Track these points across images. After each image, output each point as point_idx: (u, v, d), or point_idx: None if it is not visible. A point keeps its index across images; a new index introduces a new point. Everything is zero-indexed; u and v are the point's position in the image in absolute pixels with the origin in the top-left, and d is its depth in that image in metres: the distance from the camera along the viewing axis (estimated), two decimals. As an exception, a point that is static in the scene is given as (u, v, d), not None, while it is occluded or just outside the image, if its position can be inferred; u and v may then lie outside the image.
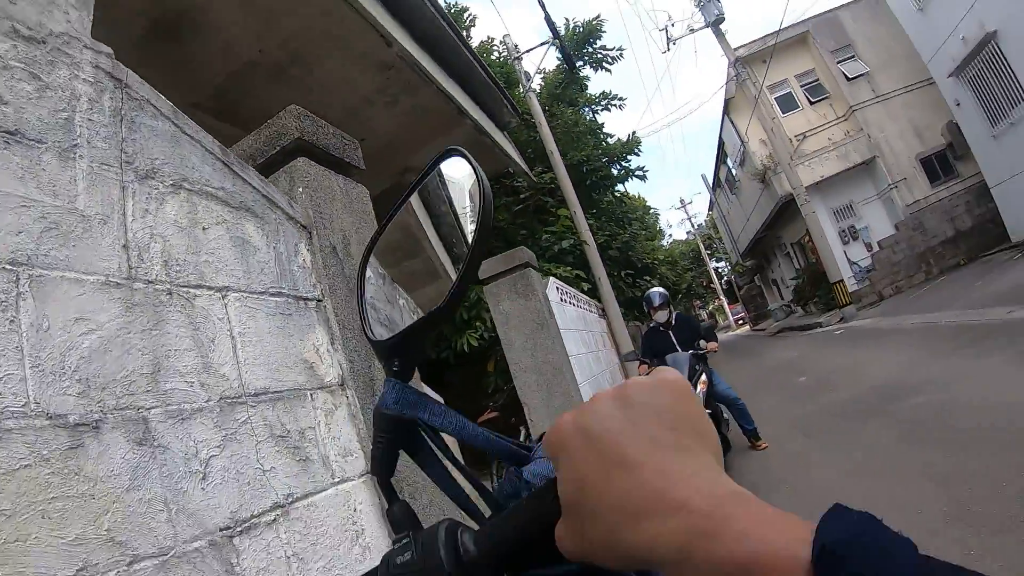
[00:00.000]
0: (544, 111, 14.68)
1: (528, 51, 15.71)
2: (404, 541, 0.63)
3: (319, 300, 2.40)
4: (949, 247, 21.19)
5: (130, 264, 1.65)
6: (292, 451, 1.96)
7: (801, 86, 25.03)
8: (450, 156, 0.78)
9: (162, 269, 1.74)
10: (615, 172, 18.49)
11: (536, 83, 16.28)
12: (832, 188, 23.34)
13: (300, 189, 2.51)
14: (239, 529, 1.66)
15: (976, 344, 8.25)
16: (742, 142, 27.69)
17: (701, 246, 60.01)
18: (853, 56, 23.69)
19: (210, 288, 1.90)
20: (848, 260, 23.09)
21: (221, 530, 1.61)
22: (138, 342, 1.59)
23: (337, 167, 2.84)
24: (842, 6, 24.54)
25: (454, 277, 0.68)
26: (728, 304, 63.26)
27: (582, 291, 11.13)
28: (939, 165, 22.51)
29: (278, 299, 2.18)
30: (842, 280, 20.39)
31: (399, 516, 0.70)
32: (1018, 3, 14.47)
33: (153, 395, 1.57)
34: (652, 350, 7.82)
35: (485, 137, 7.96)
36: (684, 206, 62.64)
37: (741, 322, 56.55)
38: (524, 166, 10.76)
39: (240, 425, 1.80)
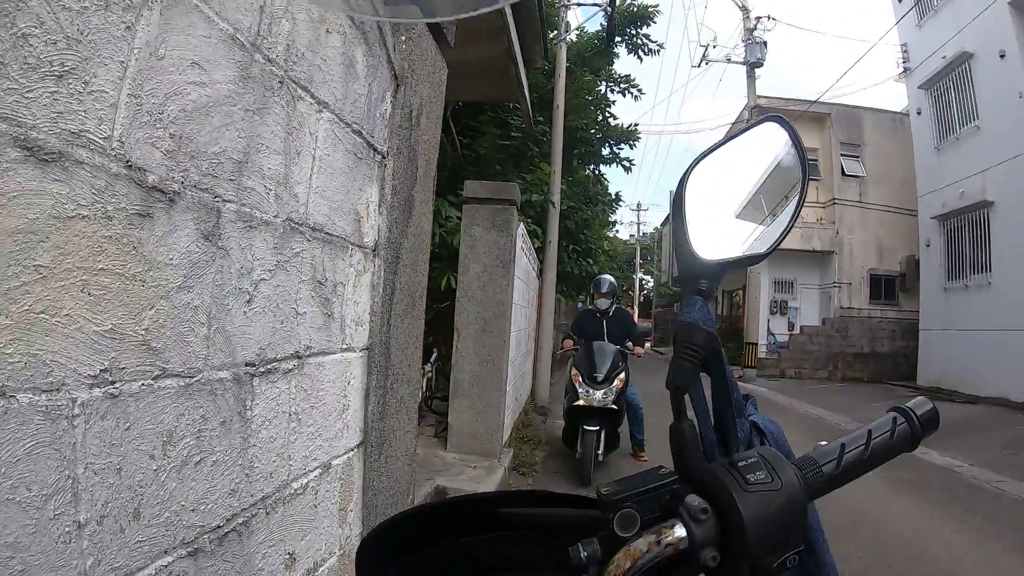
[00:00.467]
0: (567, 66, 14.33)
1: (579, 4, 15.23)
2: (752, 460, 0.64)
3: (384, 157, 2.17)
4: (860, 361, 21.96)
5: (259, 30, 1.38)
6: (323, 302, 1.75)
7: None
8: (767, 122, 0.80)
9: (283, 52, 1.48)
10: (604, 152, 18.30)
11: (571, 37, 15.85)
12: (784, 261, 23.70)
13: (403, 38, 2.26)
14: (262, 370, 1.45)
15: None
16: (670, 218, 27.90)
17: (638, 253, 60.64)
18: (858, 157, 23.97)
19: (314, 97, 1.65)
20: (768, 330, 23.64)
21: (247, 365, 1.39)
22: (239, 120, 1.33)
23: (436, 33, 2.60)
24: (869, 108, 24.77)
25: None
26: (638, 317, 64.42)
27: (534, 247, 11.04)
28: (885, 287, 23.20)
29: (357, 139, 1.94)
30: (756, 344, 20.92)
31: (689, 436, 0.68)
32: (1014, 184, 14.96)
33: (235, 187, 1.33)
34: (582, 331, 7.76)
35: (512, 63, 7.66)
36: (639, 210, 63.01)
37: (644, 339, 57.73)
38: (529, 108, 10.49)
39: (294, 256, 1.57)
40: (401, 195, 2.27)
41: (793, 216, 0.77)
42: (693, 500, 0.60)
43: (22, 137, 0.85)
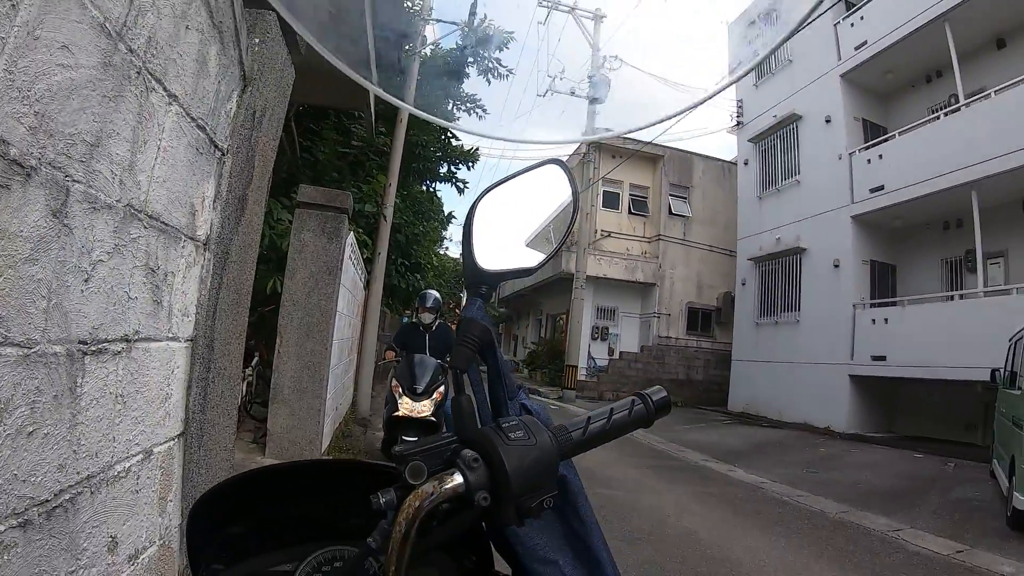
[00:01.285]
0: (416, 79, 14.39)
1: (438, 21, 15.40)
2: (514, 423, 0.80)
3: (224, 154, 2.22)
4: (676, 387, 23.06)
5: (127, 21, 1.44)
6: (154, 289, 1.79)
7: (630, 194, 26.54)
8: (549, 164, 1.02)
9: (144, 44, 1.54)
10: (442, 171, 18.46)
11: (427, 50, 15.96)
12: (607, 289, 24.88)
13: (256, 41, 2.33)
14: (93, 348, 1.48)
15: (668, 472, 9.29)
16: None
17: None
18: (685, 198, 25.76)
19: (166, 90, 1.70)
20: (589, 353, 24.63)
21: (80, 342, 1.42)
22: (96, 105, 1.38)
23: (288, 39, 2.67)
24: (700, 154, 26.71)
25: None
26: (462, 333, 64.58)
27: (362, 257, 11.00)
28: (702, 320, 25.10)
29: (200, 134, 1.99)
30: (576, 366, 21.75)
31: (466, 407, 0.85)
32: (833, 240, 16.78)
33: (85, 169, 1.37)
34: (404, 344, 7.82)
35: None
36: (470, 230, 63.58)
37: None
38: (373, 119, 10.51)
39: (131, 241, 1.61)
40: (236, 193, 2.32)
41: (561, 240, 1.01)
42: (467, 453, 0.76)
43: None
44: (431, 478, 0.74)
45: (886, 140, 15.76)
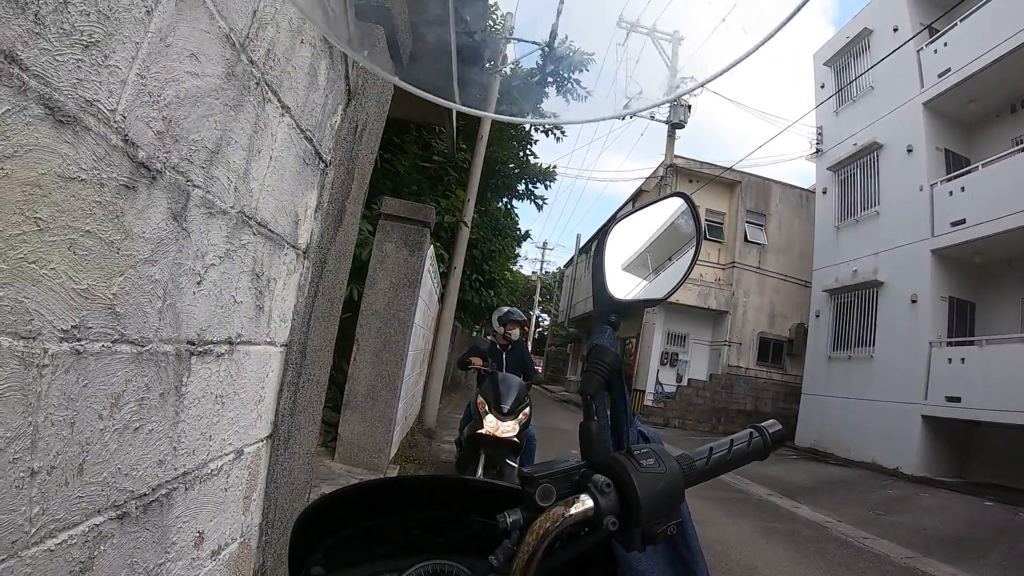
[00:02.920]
0: (497, 97, 14.54)
1: (519, 40, 15.58)
2: (645, 450, 0.82)
3: (327, 165, 2.27)
4: (743, 417, 22.63)
5: (249, 33, 1.49)
6: (256, 294, 1.83)
7: (706, 219, 26.18)
8: (675, 197, 1.05)
9: (264, 56, 1.59)
10: (520, 188, 18.58)
11: (505, 70, 16.13)
12: (678, 315, 24.51)
13: (366, 53, 2.37)
14: (200, 349, 1.52)
15: (733, 505, 9.05)
16: (591, 264, 28.39)
17: (538, 291, 61.36)
18: (762, 225, 25.20)
19: (280, 101, 1.75)
20: (657, 379, 24.30)
21: (188, 343, 1.46)
22: (218, 113, 1.43)
23: (392, 54, 2.72)
24: (779, 182, 26.14)
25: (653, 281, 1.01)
26: (531, 353, 64.64)
27: (438, 270, 11.10)
28: (773, 351, 24.37)
29: (307, 145, 2.04)
30: (644, 391, 21.46)
31: (596, 432, 0.88)
32: (912, 275, 16.10)
33: (204, 174, 1.41)
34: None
35: (444, 87, 7.81)
36: (544, 248, 63.92)
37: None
38: (454, 134, 10.63)
39: (240, 247, 1.66)
40: (336, 204, 2.37)
41: (686, 272, 1.00)
42: (599, 478, 0.76)
43: (47, 96, 0.93)
44: (560, 501, 0.75)
45: (969, 172, 15.05)
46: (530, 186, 18.70)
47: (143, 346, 1.28)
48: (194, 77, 1.30)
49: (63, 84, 0.96)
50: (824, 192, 21.01)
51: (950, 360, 14.60)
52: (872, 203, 18.33)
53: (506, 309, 7.93)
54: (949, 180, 15.53)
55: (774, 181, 26.18)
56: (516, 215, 20.94)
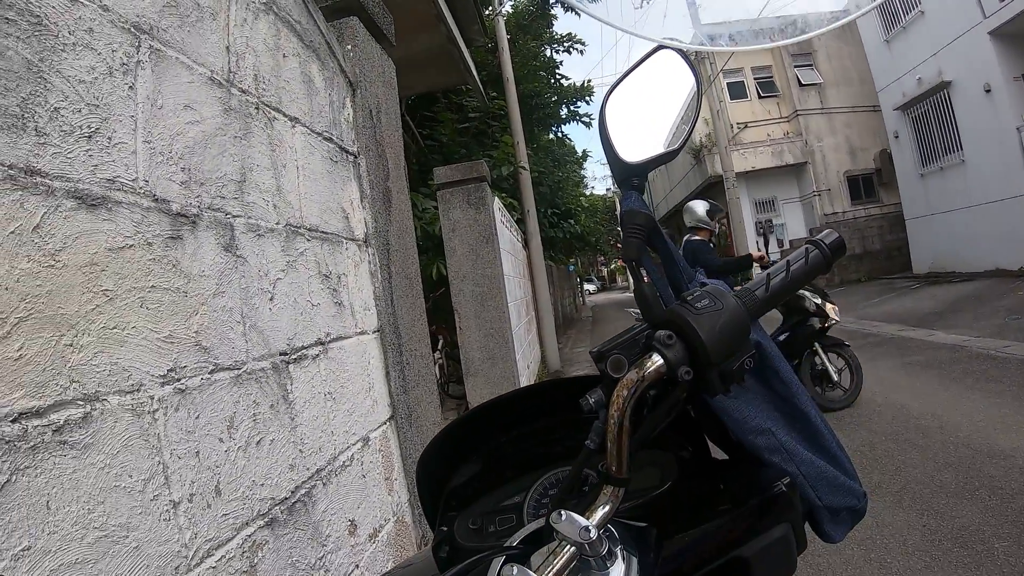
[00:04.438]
0: (508, 38, 14.33)
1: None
2: (698, 293, 0.80)
3: (356, 156, 2.36)
4: (854, 262, 22.03)
5: (230, 68, 1.57)
6: (331, 292, 1.95)
7: (755, 79, 25.17)
8: (660, 51, 1.02)
9: (253, 82, 1.67)
10: (562, 113, 18.36)
11: (507, 8, 15.84)
12: (759, 180, 23.86)
13: (349, 47, 2.44)
14: (293, 357, 1.65)
15: (866, 350, 8.81)
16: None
17: (618, 204, 60.48)
18: (811, 65, 23.99)
19: (285, 115, 1.84)
20: (759, 249, 23.67)
21: (281, 354, 1.59)
22: (231, 147, 1.52)
23: (377, 36, 2.77)
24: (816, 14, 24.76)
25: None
26: (630, 266, 63.90)
27: (512, 219, 11.13)
28: (863, 186, 23.31)
29: (329, 145, 2.13)
30: (751, 267, 21.02)
31: (649, 293, 0.85)
32: (976, 63, 15.00)
33: (239, 204, 1.52)
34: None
35: (454, 47, 7.73)
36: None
37: (639, 285, 57.35)
38: (480, 86, 10.53)
39: (299, 255, 1.77)
40: (378, 188, 2.46)
41: (694, 118, 0.99)
42: (661, 333, 0.76)
43: (73, 190, 1.04)
44: (632, 367, 0.75)
45: None
46: (572, 108, 18.46)
47: (239, 369, 1.41)
48: (196, 124, 1.40)
49: (82, 175, 1.07)
50: (859, 7, 19.79)
51: (1042, 140, 13.62)
52: (913, 4, 17.07)
53: (702, 201, 6.96)
54: (989, -47, 14.28)
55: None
56: (570, 140, 20.79)
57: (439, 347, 7.71)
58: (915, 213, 18.77)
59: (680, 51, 1.02)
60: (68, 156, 1.05)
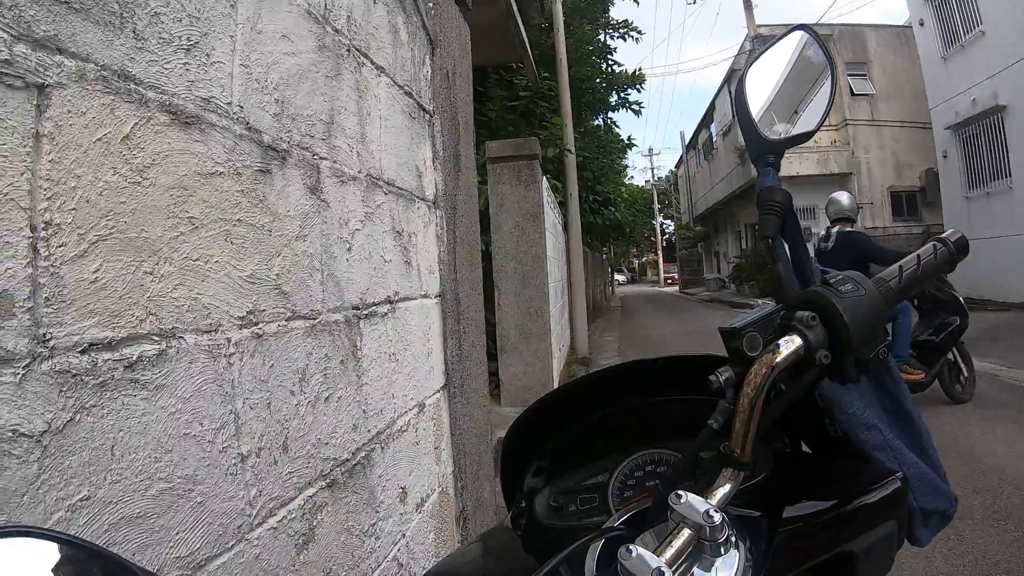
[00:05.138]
0: (563, 19, 14.19)
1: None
2: (840, 277, 0.77)
3: (431, 115, 2.28)
4: (890, 278, 21.60)
5: (327, 4, 1.50)
6: (403, 250, 1.88)
7: (805, 83, 24.88)
8: (795, 30, 1.00)
9: (346, 23, 1.60)
10: (612, 100, 18.17)
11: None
12: (803, 187, 23.40)
13: (431, 4, 2.36)
14: (365, 312, 1.58)
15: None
16: (734, 115, 27.34)
17: (655, 197, 60.26)
18: (865, 75, 23.57)
19: (373, 63, 1.76)
20: (796, 259, 23.51)
21: (353, 308, 1.52)
22: (322, 85, 1.45)
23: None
24: (871, 25, 24.35)
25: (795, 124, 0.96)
26: (663, 261, 63.99)
27: (555, 201, 11.06)
28: (907, 203, 22.91)
29: (409, 100, 2.05)
30: (783, 272, 20.83)
31: (784, 273, 0.86)
32: None
33: (326, 145, 1.45)
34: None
35: (512, 22, 7.64)
36: (651, 155, 62.59)
37: (670, 282, 57.32)
38: (533, 65, 10.43)
39: (376, 208, 1.70)
40: (449, 151, 2.38)
41: (830, 99, 0.96)
42: (803, 314, 0.73)
43: (167, 103, 0.97)
44: (769, 348, 0.71)
45: None
46: (622, 95, 18.27)
47: (314, 319, 1.34)
48: (292, 56, 1.33)
49: (178, 89, 0.99)
50: (921, 24, 19.09)
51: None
52: (974, 22, 16.45)
53: (846, 193, 7.12)
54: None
55: (867, 25, 24.40)
56: (617, 127, 20.58)
57: (474, 322, 7.64)
58: (956, 237, 18.23)
59: (814, 32, 1.00)
60: (165, 67, 0.97)
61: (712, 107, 33.28)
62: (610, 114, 19.43)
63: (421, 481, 1.96)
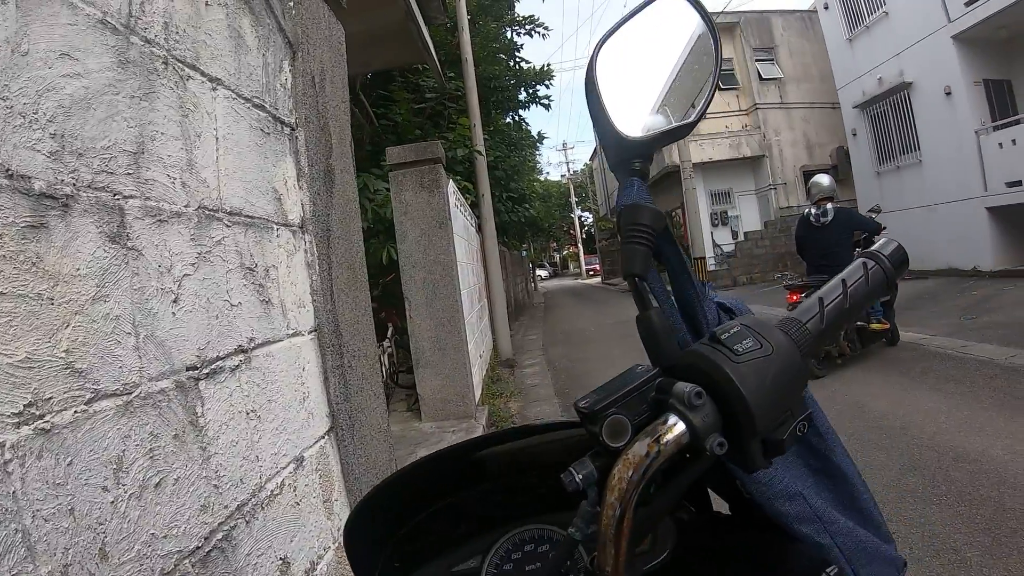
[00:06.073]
0: (468, 18, 14.09)
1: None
2: (736, 329, 0.59)
3: (293, 128, 2.05)
4: (809, 255, 22.24)
5: (131, 11, 1.25)
6: (257, 289, 1.65)
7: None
8: None
9: (162, 31, 1.35)
10: (521, 97, 18.19)
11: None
12: (716, 172, 24.04)
13: (291, 4, 2.14)
14: (205, 371, 1.35)
15: (822, 346, 8.72)
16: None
17: (572, 191, 60.69)
18: (772, 60, 24.40)
19: (204, 75, 1.52)
20: (714, 242, 23.95)
21: (188, 369, 1.29)
22: (126, 109, 1.21)
23: (326, -1, 2.47)
24: (777, 11, 25.22)
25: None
26: (584, 253, 64.52)
27: (467, 203, 10.93)
28: (819, 182, 23.59)
29: (260, 113, 1.82)
30: (704, 258, 21.19)
31: (659, 324, 0.65)
32: (938, 66, 15.19)
33: (134, 181, 1.21)
34: (806, 250, 7.97)
35: (412, 24, 7.43)
36: (565, 149, 62.91)
37: (592, 273, 57.87)
38: (438, 67, 10.27)
39: (215, 245, 1.46)
40: (319, 166, 2.16)
41: (713, 83, 0.75)
42: (683, 387, 0.56)
43: None
44: (639, 435, 0.55)
45: None
46: (531, 91, 18.27)
47: (129, 394, 1.11)
48: (77, 79, 1.08)
49: None
50: (826, 7, 19.91)
51: (1000, 145, 13.87)
52: (878, 5, 17.31)
53: (826, 174, 8.39)
54: (950, -46, 14.50)
55: (772, 11, 25.31)
56: (526, 124, 20.56)
57: (389, 335, 7.43)
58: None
59: None
60: None
61: (622, 98, 33.74)
62: (520, 111, 19.44)
63: (308, 544, 1.74)
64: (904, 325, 8.98)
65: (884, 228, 7.65)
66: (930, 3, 15.06)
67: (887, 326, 7.73)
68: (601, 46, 0.75)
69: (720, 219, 24.95)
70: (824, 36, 20.61)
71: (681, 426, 0.54)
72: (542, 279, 63.45)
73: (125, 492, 1.06)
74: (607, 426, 0.56)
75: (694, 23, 0.77)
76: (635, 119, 0.72)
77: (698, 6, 0.77)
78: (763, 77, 24.17)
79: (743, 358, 0.57)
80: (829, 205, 7.65)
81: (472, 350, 7.19)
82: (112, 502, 1.04)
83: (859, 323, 7.52)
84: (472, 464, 0.83)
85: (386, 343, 7.26)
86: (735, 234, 24.28)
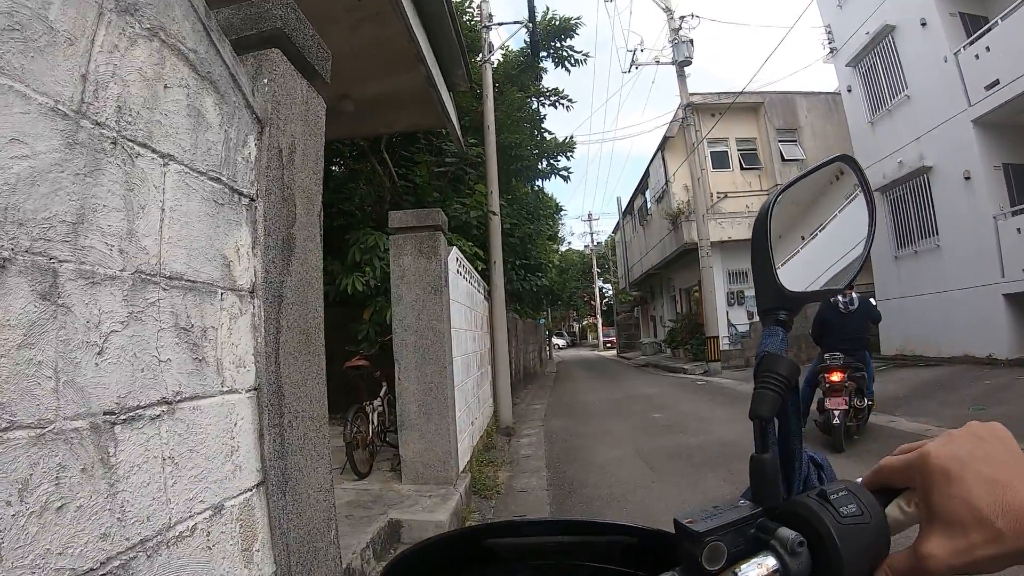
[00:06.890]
0: (494, 86, 14.41)
1: (500, 24, 15.46)
2: (843, 493, 0.65)
3: (252, 199, 2.25)
4: (823, 340, 22.09)
5: (84, 98, 1.47)
6: (191, 348, 1.82)
7: (738, 149, 25.77)
8: (838, 160, 0.86)
9: (114, 114, 1.56)
10: (541, 167, 18.51)
11: (496, 57, 16.02)
12: (735, 251, 24.09)
13: (265, 80, 2.35)
14: (123, 417, 1.51)
15: (818, 436, 8.67)
16: (667, 181, 27.92)
17: (594, 262, 61.05)
18: (795, 141, 24.72)
19: (155, 152, 1.72)
20: (728, 321, 23.93)
21: (105, 414, 1.46)
22: (69, 185, 1.41)
23: (305, 71, 2.68)
24: (802, 92, 25.59)
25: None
26: (602, 325, 64.50)
27: (477, 269, 11.06)
28: (837, 264, 23.63)
29: (215, 185, 2.02)
30: (717, 337, 21.13)
31: (771, 469, 0.70)
32: (958, 150, 15.37)
33: (70, 247, 1.40)
34: (819, 335, 8.43)
35: (432, 90, 7.70)
36: (590, 220, 63.57)
37: (608, 345, 57.73)
38: (459, 132, 10.56)
39: (148, 306, 1.64)
40: (277, 236, 2.34)
41: (866, 248, 0.82)
42: (787, 533, 0.62)
43: None
44: (737, 564, 0.62)
45: (989, 30, 14.22)
46: (551, 162, 18.63)
47: (43, 428, 1.28)
48: (23, 159, 1.29)
49: None
50: (849, 90, 20.32)
51: (1019, 230, 13.88)
52: (899, 88, 17.66)
53: None
54: (971, 43, 14.77)
55: (797, 93, 25.65)
56: (548, 195, 20.90)
57: (382, 394, 7.55)
58: (887, 295, 18.89)
59: (857, 164, 0.86)
60: None
61: (647, 174, 34.13)
62: (542, 181, 19.78)
63: (222, 586, 1.88)
64: (912, 415, 8.93)
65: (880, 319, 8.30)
66: (951, 87, 15.28)
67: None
68: (777, 198, 0.81)
69: (736, 298, 24.95)
70: (847, 119, 20.90)
71: (776, 565, 0.60)
72: (558, 348, 63.26)
73: (27, 509, 1.22)
74: (708, 550, 0.61)
75: (852, 187, 0.85)
76: (791, 272, 0.79)
77: (860, 173, 0.84)
78: (785, 158, 24.41)
79: (847, 520, 0.62)
80: (854, 293, 8.34)
81: (462, 416, 7.28)
82: (13, 515, 1.20)
83: (868, 402, 8.06)
84: (478, 547, 0.88)
85: (377, 402, 7.37)
86: (750, 314, 24.26)
